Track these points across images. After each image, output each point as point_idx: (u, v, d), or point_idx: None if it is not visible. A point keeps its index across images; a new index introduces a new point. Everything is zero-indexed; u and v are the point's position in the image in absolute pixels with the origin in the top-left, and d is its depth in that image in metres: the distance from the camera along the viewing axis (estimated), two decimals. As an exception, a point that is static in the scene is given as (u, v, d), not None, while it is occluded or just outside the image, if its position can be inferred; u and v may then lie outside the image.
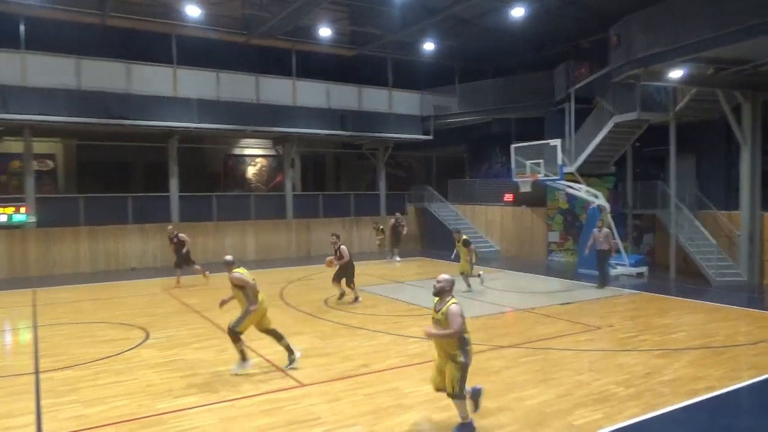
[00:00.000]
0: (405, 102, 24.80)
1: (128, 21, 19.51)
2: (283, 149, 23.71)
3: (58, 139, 21.94)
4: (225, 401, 6.78)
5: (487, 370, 7.77)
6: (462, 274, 13.79)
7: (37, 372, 8.05)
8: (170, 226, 16.88)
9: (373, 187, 26.52)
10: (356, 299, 12.84)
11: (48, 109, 17.55)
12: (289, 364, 7.99)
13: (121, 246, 19.69)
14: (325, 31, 21.30)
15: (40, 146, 20.82)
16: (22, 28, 17.64)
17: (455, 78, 25.16)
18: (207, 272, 15.70)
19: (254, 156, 27.17)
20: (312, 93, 22.50)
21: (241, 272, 7.95)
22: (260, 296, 7.96)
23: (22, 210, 18.12)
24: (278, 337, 8.12)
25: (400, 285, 15.40)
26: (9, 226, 17.95)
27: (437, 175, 30.04)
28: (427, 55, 23.82)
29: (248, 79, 21.23)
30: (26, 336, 10.65)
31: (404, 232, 21.32)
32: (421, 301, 12.76)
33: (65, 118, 17.78)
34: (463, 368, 5.62)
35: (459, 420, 5.80)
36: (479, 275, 14.29)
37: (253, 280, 8.00)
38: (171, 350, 9.14)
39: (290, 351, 8.07)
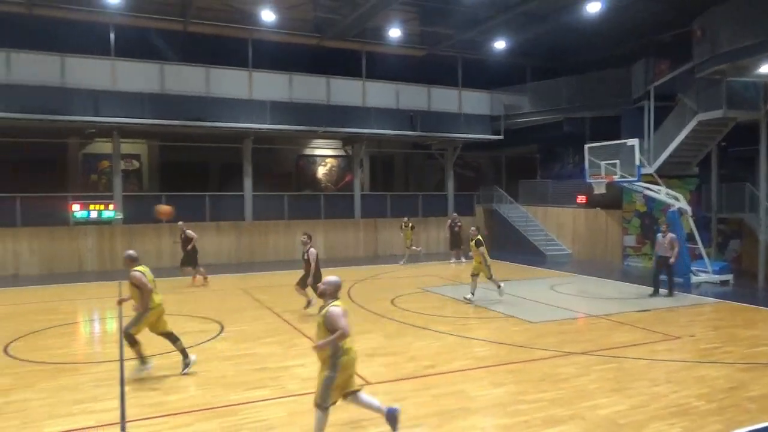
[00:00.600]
0: (474, 101, 24.54)
1: (207, 27, 20.41)
2: (353, 150, 24.06)
3: (143, 141, 23.26)
4: (293, 395, 6.96)
5: (556, 376, 7.56)
6: (474, 275, 12.99)
7: (121, 360, 8.56)
8: (180, 222, 16.86)
9: (442, 187, 26.41)
10: (309, 303, 11.82)
11: (135, 111, 18.67)
12: (184, 368, 7.84)
13: (199, 242, 20.60)
14: (394, 32, 21.40)
15: (127, 147, 22.12)
16: (112, 36, 18.84)
17: (526, 76, 24.62)
18: (206, 278, 15.77)
19: (324, 156, 27.69)
20: (381, 94, 22.70)
21: (141, 271, 7.78)
22: (158, 298, 7.87)
23: (111, 207, 19.34)
24: (173, 339, 8.00)
25: (465, 287, 15.25)
26: (99, 222, 19.22)
27: (507, 175, 29.52)
28: (498, 53, 23.44)
29: (319, 81, 21.69)
30: (113, 326, 11.35)
31: (462, 233, 20.84)
32: (488, 303, 12.59)
33: (149, 120, 18.84)
34: (327, 381, 5.39)
35: None
36: (499, 286, 13.24)
37: (153, 282, 7.87)
38: (243, 344, 9.48)
39: (185, 355, 7.92)
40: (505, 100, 24.36)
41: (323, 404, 5.43)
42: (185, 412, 6.41)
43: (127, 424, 6.13)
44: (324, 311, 5.43)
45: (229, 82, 20.29)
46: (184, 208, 20.49)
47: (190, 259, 16.00)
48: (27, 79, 17.60)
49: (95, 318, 12.74)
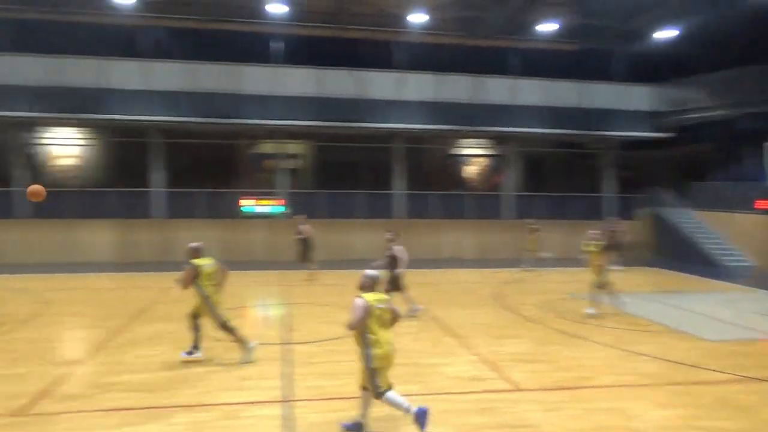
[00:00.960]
0: (633, 97, 22.85)
1: (357, 32, 21.44)
2: (502, 149, 23.63)
3: (302, 141, 24.98)
4: (441, 393, 7.04)
5: (734, 403, 6.79)
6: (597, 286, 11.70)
7: (284, 343, 9.31)
8: (298, 216, 17.39)
9: (598, 188, 24.94)
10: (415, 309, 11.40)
11: (295, 114, 20.18)
12: (189, 353, 8.25)
13: (349, 237, 21.61)
14: (546, 27, 20.61)
15: (289, 147, 23.88)
16: (278, 45, 20.56)
17: (696, 68, 22.36)
18: (315, 271, 16.03)
19: (474, 156, 27.53)
20: (531, 91, 22.03)
21: (206, 262, 8.20)
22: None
23: (278, 202, 21.12)
24: (196, 327, 8.31)
25: (627, 296, 14.27)
26: (268, 216, 21.06)
27: (673, 176, 27.02)
28: (660, 44, 21.52)
29: (467, 80, 21.63)
30: (276, 311, 12.35)
31: (621, 238, 19.25)
32: (653, 316, 11.64)
33: (306, 122, 20.24)
34: (366, 371, 5.68)
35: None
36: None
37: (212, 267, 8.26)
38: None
39: (196, 346, 8.32)
40: (670, 94, 22.33)
41: (376, 391, 5.65)
42: (340, 398, 6.79)
43: (290, 403, 6.66)
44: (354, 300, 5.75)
45: (380, 84, 21.03)
46: (339, 205, 21.69)
47: (305, 254, 16.50)
48: (207, 88, 19.85)
49: (262, 303, 13.97)
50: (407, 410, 5.67)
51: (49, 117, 19.36)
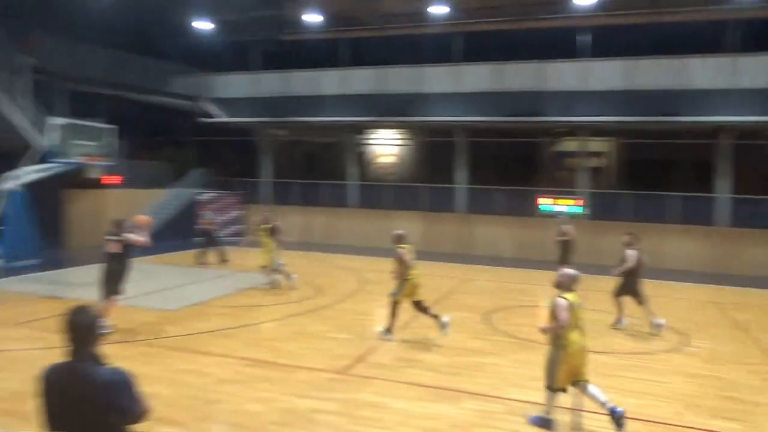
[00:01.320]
0: None
1: (674, 15, 18.97)
2: None
3: (609, 138, 23.46)
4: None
5: None
6: None
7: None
8: (562, 217, 16.20)
9: None
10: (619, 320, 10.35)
11: (603, 110, 19.02)
12: (443, 328, 8.91)
13: (661, 245, 19.50)
14: None
15: (593, 144, 22.71)
16: (584, 38, 19.67)
17: None
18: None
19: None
20: None
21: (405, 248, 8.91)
22: (415, 272, 8.94)
23: (577, 203, 20.35)
24: (423, 309, 8.98)
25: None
26: (564, 216, 20.46)
27: None
28: None
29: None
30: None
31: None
32: None
33: (616, 118, 18.86)
34: (549, 365, 5.89)
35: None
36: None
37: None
38: (712, 364, 8.48)
39: (437, 317, 8.96)
40: None
41: (549, 385, 5.89)
42: (637, 419, 6.23)
43: (578, 413, 6.36)
44: (553, 300, 5.89)
45: (702, 73, 18.37)
46: (647, 208, 19.74)
47: (564, 256, 15.42)
48: (513, 87, 20.22)
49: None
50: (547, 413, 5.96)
51: (374, 120, 22.33)
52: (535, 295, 14.07)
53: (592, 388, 5.87)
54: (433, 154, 26.01)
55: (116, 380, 2.79)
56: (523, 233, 20.83)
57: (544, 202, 20.64)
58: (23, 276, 13.61)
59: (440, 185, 22.44)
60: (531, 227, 20.72)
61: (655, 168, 22.46)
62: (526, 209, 20.84)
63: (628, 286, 10.36)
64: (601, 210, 20.10)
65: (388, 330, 9.10)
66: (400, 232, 9.39)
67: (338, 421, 5.90)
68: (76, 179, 17.58)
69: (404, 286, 8.99)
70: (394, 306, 9.03)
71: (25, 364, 7.35)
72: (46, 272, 14.09)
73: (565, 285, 6.03)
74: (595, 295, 13.83)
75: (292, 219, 23.67)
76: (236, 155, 26.76)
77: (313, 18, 21.05)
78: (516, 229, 20.90)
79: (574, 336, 5.79)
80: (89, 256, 17.24)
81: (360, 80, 22.57)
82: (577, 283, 6.06)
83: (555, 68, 20.10)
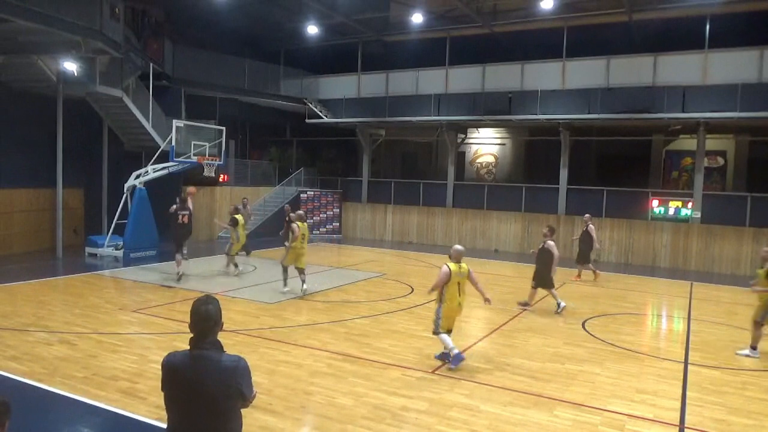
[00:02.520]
0: None
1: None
2: None
3: (731, 136, 21.59)
4: None
5: None
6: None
7: (686, 363, 8.34)
8: (587, 215, 15.77)
9: None
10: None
11: (724, 105, 17.51)
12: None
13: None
14: None
15: (712, 143, 21.02)
16: (706, 28, 18.17)
17: None
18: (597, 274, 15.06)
19: None
20: None
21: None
22: None
23: (689, 205, 18.92)
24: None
25: None
26: (675, 219, 19.13)
27: None
28: None
29: None
30: (679, 326, 11.17)
31: None
32: None
33: (739, 113, 17.29)
34: (434, 315, 7.72)
35: None
36: None
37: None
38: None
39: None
40: None
41: (434, 331, 7.67)
42: (752, 441, 5.73)
43: (686, 430, 5.95)
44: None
45: None
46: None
47: (584, 255, 15.03)
48: (622, 82, 19.16)
49: (663, 314, 12.85)
50: (450, 350, 7.49)
51: (474, 119, 22.05)
52: (639, 302, 13.29)
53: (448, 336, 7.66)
54: (534, 153, 25.30)
55: (240, 366, 2.97)
56: (630, 237, 19.70)
57: (656, 205, 19.39)
58: (141, 266, 14.90)
59: (540, 185, 21.76)
60: (639, 231, 19.55)
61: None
62: (632, 212, 19.70)
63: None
64: (719, 214, 18.54)
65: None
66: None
67: (428, 420, 5.91)
68: (191, 177, 18.94)
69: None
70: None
71: (139, 347, 8.07)
72: (162, 263, 15.31)
73: (453, 257, 7.61)
74: (707, 305, 12.83)
75: (389, 217, 24.03)
76: (337, 154, 27.58)
77: (416, 18, 21.17)
78: (623, 232, 19.81)
79: (451, 297, 7.49)
80: (201, 249, 18.57)
81: (460, 79, 22.41)
82: (462, 256, 7.64)
83: (670, 61, 18.80)
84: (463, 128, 24.43)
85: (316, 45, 24.96)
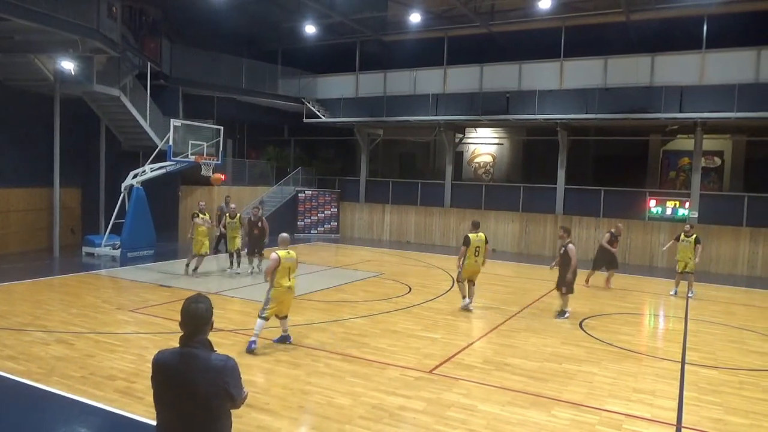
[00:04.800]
0: None
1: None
2: None
3: (728, 136, 21.63)
4: None
5: None
6: None
7: (683, 362, 8.35)
8: (620, 224, 15.20)
9: None
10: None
11: (721, 105, 17.55)
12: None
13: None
14: None
15: (709, 143, 21.04)
16: (704, 28, 18.20)
17: None
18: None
19: None
20: None
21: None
22: None
23: (686, 205, 18.94)
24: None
25: None
26: (673, 219, 19.15)
27: None
28: None
29: None
30: (677, 326, 11.19)
31: None
32: None
33: (736, 113, 17.32)
34: (264, 301, 8.10)
35: None
36: None
37: None
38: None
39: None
40: None
41: (260, 315, 7.96)
42: (749, 441, 5.74)
43: (683, 430, 5.96)
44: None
45: None
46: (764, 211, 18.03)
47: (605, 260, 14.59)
48: (620, 82, 19.18)
49: (660, 314, 12.87)
50: (255, 335, 7.91)
51: (472, 119, 22.05)
52: (637, 302, 13.31)
53: (284, 322, 8.30)
54: (531, 153, 25.32)
55: (228, 366, 2.95)
56: (626, 237, 19.69)
57: (652, 205, 19.41)
58: (139, 265, 14.87)
59: (538, 185, 21.78)
60: (635, 231, 19.57)
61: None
62: (630, 212, 19.72)
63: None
64: (716, 214, 18.58)
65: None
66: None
67: (426, 420, 5.91)
68: (189, 176, 18.90)
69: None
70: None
71: (137, 346, 8.06)
72: (159, 263, 15.29)
73: (281, 244, 8.16)
74: (704, 305, 12.86)
75: (387, 217, 24.02)
76: (335, 154, 27.56)
77: (414, 18, 21.17)
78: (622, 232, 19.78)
79: (281, 281, 7.92)
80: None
81: (458, 79, 22.42)
82: (288, 243, 8.22)
83: (667, 61, 18.83)
84: (460, 128, 24.44)
85: (314, 44, 24.92)
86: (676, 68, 18.66)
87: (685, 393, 7.04)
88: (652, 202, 19.42)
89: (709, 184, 21.55)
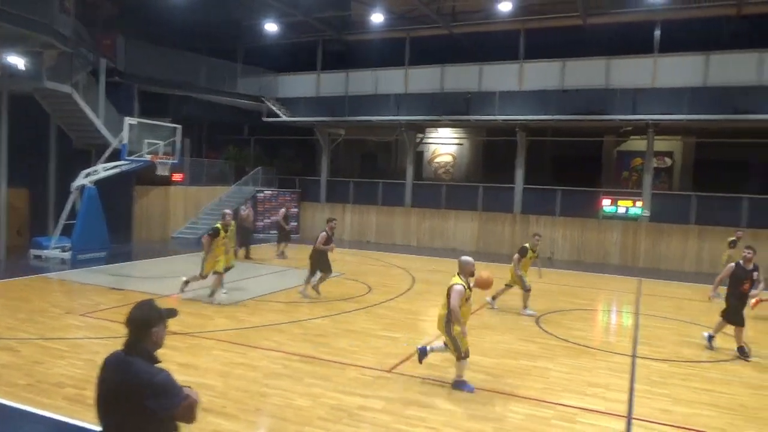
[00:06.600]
0: None
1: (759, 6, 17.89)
2: None
3: (678, 137, 22.42)
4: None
5: None
6: None
7: (634, 356, 8.62)
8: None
9: None
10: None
11: (672, 108, 18.19)
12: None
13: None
14: None
15: (660, 144, 21.78)
16: (656, 33, 18.82)
17: None
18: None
19: None
20: None
21: None
22: None
23: (638, 204, 19.56)
24: None
25: None
26: (625, 218, 19.75)
27: None
28: None
29: None
30: (628, 320, 11.53)
31: None
32: None
33: (687, 116, 17.99)
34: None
35: None
36: None
37: None
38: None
39: None
40: None
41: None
42: (692, 429, 5.98)
43: (633, 421, 6.15)
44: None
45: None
46: (716, 210, 18.76)
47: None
48: (577, 84, 19.66)
49: (613, 309, 13.24)
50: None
51: (433, 119, 22.22)
52: (590, 299, 13.66)
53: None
54: (491, 153, 25.67)
55: (154, 381, 2.81)
56: (582, 235, 20.23)
57: (606, 204, 19.97)
58: (90, 268, 14.41)
59: (497, 185, 22.11)
60: (591, 229, 20.10)
61: (729, 169, 21.30)
62: (585, 211, 20.24)
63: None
64: (666, 213, 19.26)
65: None
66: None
67: (385, 419, 5.92)
68: (144, 176, 18.42)
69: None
70: None
71: (88, 352, 7.80)
72: (113, 265, 14.86)
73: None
74: (654, 300, 13.30)
75: (348, 217, 23.98)
76: (296, 154, 27.35)
77: (376, 18, 21.19)
78: (576, 230, 20.32)
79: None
80: (155, 249, 18.11)
81: (420, 79, 22.58)
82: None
83: (622, 64, 19.41)
84: (421, 128, 24.60)
85: (275, 43, 24.68)
86: (630, 71, 19.27)
87: (636, 385, 7.27)
88: (606, 202, 19.97)
89: (660, 183, 22.29)
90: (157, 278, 13.48)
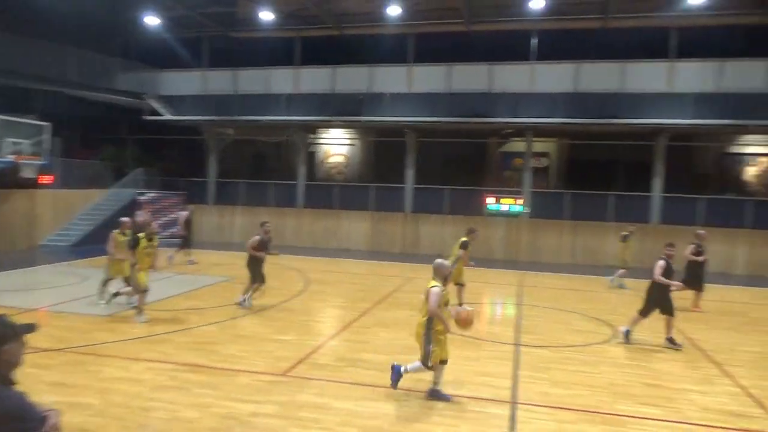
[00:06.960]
0: None
1: (621, 20, 19.78)
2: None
3: (554, 139, 24.12)
4: (690, 423, 6.15)
5: None
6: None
7: (518, 344, 9.14)
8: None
9: None
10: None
11: (549, 112, 19.56)
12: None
13: (599, 242, 20.20)
14: None
15: (538, 146, 23.32)
16: (533, 41, 20.15)
17: None
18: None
19: (756, 155, 23.31)
20: None
21: None
22: None
23: (518, 202, 20.81)
24: None
25: None
26: (507, 215, 20.93)
27: None
28: None
29: (756, 66, 18.33)
30: (511, 311, 12.22)
31: None
32: None
33: (562, 119, 19.44)
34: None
35: None
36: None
37: None
38: (637, 353, 8.88)
39: None
40: None
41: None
42: (569, 409, 6.44)
43: (517, 405, 6.51)
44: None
45: (646, 77, 19.14)
46: (587, 207, 20.43)
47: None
48: (463, 88, 20.52)
49: (498, 301, 13.97)
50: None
51: (324, 120, 22.18)
52: (477, 292, 14.29)
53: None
54: (382, 153, 26.08)
55: (2, 407, 2.57)
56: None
57: (491, 202, 21.02)
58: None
59: (388, 185, 22.51)
60: (477, 226, 20.98)
61: (596, 168, 23.23)
62: (472, 208, 21.19)
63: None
64: (543, 210, 20.67)
65: None
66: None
67: (278, 423, 5.80)
68: (6, 178, 16.69)
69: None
70: None
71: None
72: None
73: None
74: (535, 291, 14.21)
75: (237, 219, 23.28)
76: (181, 154, 26.08)
77: (265, 16, 20.72)
78: (462, 228, 21.10)
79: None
80: (18, 259, 16.47)
81: (311, 79, 22.43)
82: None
83: (503, 70, 20.54)
84: (313, 128, 24.46)
85: (158, 38, 23.37)
86: (511, 77, 20.45)
87: (519, 372, 7.71)
88: (491, 200, 21.04)
89: (539, 182, 23.85)
90: (21, 290, 12.26)
